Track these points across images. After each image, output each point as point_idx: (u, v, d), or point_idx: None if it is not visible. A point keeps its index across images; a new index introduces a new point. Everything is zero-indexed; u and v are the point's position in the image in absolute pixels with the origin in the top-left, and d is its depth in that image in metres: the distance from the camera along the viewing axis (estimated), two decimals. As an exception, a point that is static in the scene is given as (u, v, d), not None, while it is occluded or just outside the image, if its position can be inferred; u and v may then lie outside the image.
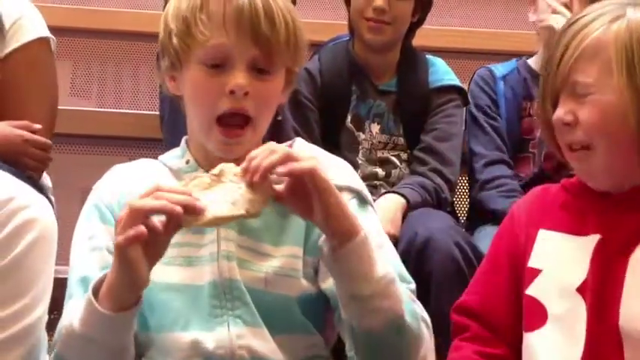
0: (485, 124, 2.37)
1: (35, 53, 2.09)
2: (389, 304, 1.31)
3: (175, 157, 1.51)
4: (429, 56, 2.38)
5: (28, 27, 2.08)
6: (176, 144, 1.54)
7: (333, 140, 2.24)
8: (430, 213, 2.11)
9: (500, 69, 2.47)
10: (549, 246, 1.45)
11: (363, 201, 1.46)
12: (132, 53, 3.03)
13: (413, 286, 1.42)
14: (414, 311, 1.37)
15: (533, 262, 1.46)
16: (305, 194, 1.29)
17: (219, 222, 1.28)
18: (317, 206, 1.28)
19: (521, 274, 1.47)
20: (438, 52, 2.55)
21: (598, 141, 1.38)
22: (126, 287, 1.27)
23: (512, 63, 2.49)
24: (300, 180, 1.28)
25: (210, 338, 1.39)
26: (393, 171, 2.28)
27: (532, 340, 1.43)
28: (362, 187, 1.47)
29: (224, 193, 1.28)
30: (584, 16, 1.42)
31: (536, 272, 1.45)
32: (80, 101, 3.02)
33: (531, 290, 1.45)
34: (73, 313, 1.33)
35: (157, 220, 1.25)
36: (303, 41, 1.43)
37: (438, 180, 2.21)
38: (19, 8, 2.09)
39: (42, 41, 2.11)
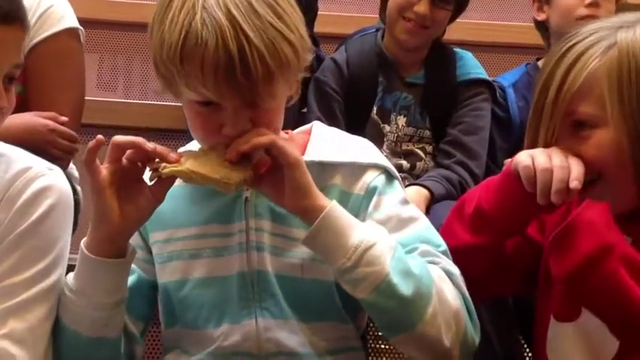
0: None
1: (64, 44, 2.10)
2: (370, 270, 1.30)
3: (195, 147, 1.48)
4: (457, 49, 2.37)
5: (58, 17, 2.09)
6: None
7: (358, 132, 2.20)
8: (453, 205, 2.09)
9: (508, 77, 2.45)
10: None
11: (389, 176, 1.45)
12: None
13: (442, 247, 1.41)
14: (419, 267, 1.34)
15: None
16: (282, 184, 1.31)
17: (192, 176, 1.29)
18: (287, 186, 1.31)
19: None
20: (464, 45, 2.54)
21: (606, 172, 1.37)
22: (97, 224, 1.33)
23: (521, 68, 2.47)
24: (277, 163, 1.30)
25: (238, 331, 1.40)
26: (417, 163, 2.28)
27: (567, 329, 1.43)
28: (387, 163, 1.47)
29: (207, 160, 1.31)
30: (577, 42, 1.39)
31: None
32: (107, 94, 3.03)
33: None
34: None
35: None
36: (294, 56, 1.33)
37: (463, 173, 2.20)
38: None
39: (71, 32, 2.12)
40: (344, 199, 1.41)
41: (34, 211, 1.38)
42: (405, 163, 2.27)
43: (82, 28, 2.15)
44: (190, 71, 1.30)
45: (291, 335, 1.40)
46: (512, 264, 1.49)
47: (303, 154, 1.42)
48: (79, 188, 2.11)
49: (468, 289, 1.41)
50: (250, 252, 1.41)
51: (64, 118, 2.03)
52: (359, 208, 1.42)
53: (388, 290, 1.31)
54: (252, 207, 1.42)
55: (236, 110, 1.32)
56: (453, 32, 2.46)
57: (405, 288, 1.31)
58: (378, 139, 2.25)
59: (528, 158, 1.36)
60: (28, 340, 1.34)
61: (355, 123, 2.26)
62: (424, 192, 2.10)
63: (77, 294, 1.36)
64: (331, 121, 2.21)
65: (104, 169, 1.31)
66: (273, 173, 1.33)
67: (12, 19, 1.33)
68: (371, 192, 1.42)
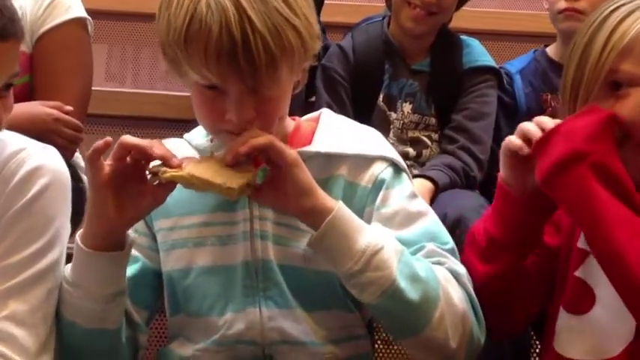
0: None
1: (71, 33, 2.10)
2: (377, 275, 1.30)
3: (200, 135, 1.49)
4: (464, 37, 2.36)
5: (65, 7, 2.09)
6: None
7: (364, 119, 2.19)
8: (460, 193, 2.09)
9: (515, 64, 2.44)
10: None
11: (397, 169, 1.44)
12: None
13: (449, 245, 1.41)
14: (425, 270, 1.34)
15: (582, 243, 1.44)
16: (283, 188, 1.30)
17: (193, 181, 1.28)
18: (289, 187, 1.30)
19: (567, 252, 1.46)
20: (474, 34, 2.52)
21: (633, 133, 1.37)
22: (94, 226, 1.32)
23: (529, 55, 2.46)
24: (279, 171, 1.30)
25: (242, 319, 1.39)
26: (424, 151, 2.26)
27: (578, 322, 1.42)
28: (395, 154, 1.45)
29: (208, 165, 1.30)
30: (621, 5, 1.40)
31: (585, 253, 1.44)
32: (115, 85, 3.03)
33: (580, 272, 1.44)
34: None
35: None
36: (299, 44, 1.32)
37: (467, 158, 2.18)
38: None
39: (78, 21, 2.11)
40: (350, 191, 1.40)
41: (28, 191, 1.37)
42: (411, 151, 2.26)
43: (89, 18, 2.14)
44: (194, 54, 1.30)
45: (294, 324, 1.39)
46: (536, 284, 1.49)
47: (309, 142, 1.41)
48: (84, 177, 2.11)
49: (494, 322, 1.42)
50: (254, 241, 1.40)
51: (69, 108, 2.03)
52: (366, 200, 1.41)
53: (396, 295, 1.30)
54: None
55: (239, 96, 1.31)
56: (461, 21, 2.45)
57: (413, 293, 1.31)
58: (384, 126, 2.24)
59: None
60: (29, 322, 1.34)
61: (361, 110, 2.24)
62: (428, 184, 2.08)
63: (73, 286, 1.36)
64: (340, 106, 2.21)
65: (107, 166, 1.30)
66: (273, 180, 1.32)
67: (7, 34, 1.31)
68: (378, 185, 1.41)
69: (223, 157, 1.31)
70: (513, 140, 1.40)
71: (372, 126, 2.19)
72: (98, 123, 2.60)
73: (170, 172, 1.29)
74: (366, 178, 1.41)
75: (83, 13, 2.13)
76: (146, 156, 1.30)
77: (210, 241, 1.42)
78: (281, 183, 1.31)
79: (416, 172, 2.14)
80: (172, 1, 1.32)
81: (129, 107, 2.69)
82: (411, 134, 2.27)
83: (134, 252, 1.43)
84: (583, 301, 1.43)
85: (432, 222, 1.42)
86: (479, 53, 2.33)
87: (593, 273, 1.42)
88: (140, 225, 1.43)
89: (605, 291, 1.39)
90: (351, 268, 1.30)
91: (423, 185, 2.07)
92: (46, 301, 1.36)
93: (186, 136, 1.51)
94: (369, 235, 1.31)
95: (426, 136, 2.28)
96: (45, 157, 1.41)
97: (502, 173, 1.44)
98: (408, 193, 1.42)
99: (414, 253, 1.37)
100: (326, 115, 1.49)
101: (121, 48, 3.10)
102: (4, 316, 1.33)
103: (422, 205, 1.44)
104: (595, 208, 1.32)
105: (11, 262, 1.35)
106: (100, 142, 1.29)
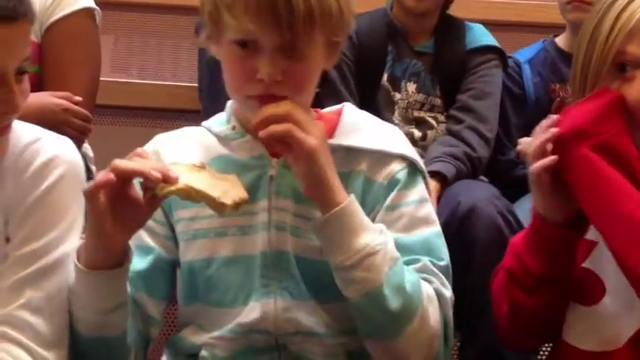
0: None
1: (79, 23, 2.09)
2: (365, 276, 1.32)
3: (220, 123, 1.48)
4: (467, 22, 2.37)
5: None
6: (215, 112, 1.52)
7: (369, 100, 2.23)
8: (473, 183, 2.09)
9: (524, 54, 2.45)
10: None
11: (414, 170, 1.44)
12: (173, 27, 3.03)
13: (444, 262, 1.42)
14: (412, 285, 1.35)
15: (588, 234, 1.44)
16: (298, 173, 1.33)
17: (191, 193, 1.28)
18: (302, 175, 1.32)
19: None
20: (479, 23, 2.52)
21: (636, 117, 1.37)
22: (92, 243, 1.31)
23: (538, 44, 2.47)
24: (296, 160, 1.32)
25: (257, 309, 1.40)
26: (429, 132, 2.27)
27: (588, 313, 1.43)
28: (414, 154, 1.46)
29: (202, 178, 1.30)
30: None
31: (592, 244, 1.44)
32: (120, 76, 3.03)
33: (588, 263, 1.44)
34: None
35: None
36: (338, 11, 1.35)
37: (472, 139, 2.18)
38: None
39: (87, 12, 2.11)
40: (368, 187, 1.41)
41: (44, 180, 1.38)
42: (416, 132, 2.26)
43: (98, 8, 2.14)
44: (235, 4, 1.32)
45: (308, 316, 1.40)
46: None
47: (331, 135, 1.42)
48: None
49: (522, 341, 1.48)
50: (272, 231, 1.41)
51: (78, 98, 2.03)
52: (379, 197, 1.42)
53: (377, 300, 1.32)
54: (276, 186, 1.41)
55: (273, 52, 1.32)
56: (465, 10, 2.45)
57: (394, 302, 1.33)
58: (388, 107, 2.25)
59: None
60: (45, 310, 1.35)
61: (366, 91, 2.25)
62: (435, 184, 2.05)
63: (74, 295, 1.36)
64: (344, 83, 2.22)
65: (102, 196, 1.27)
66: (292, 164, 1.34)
67: (16, 15, 1.30)
68: (393, 184, 1.42)
69: (213, 172, 1.32)
70: (533, 169, 1.39)
71: (377, 106, 2.21)
72: (106, 114, 2.60)
73: (167, 188, 1.27)
74: (383, 175, 1.42)
75: (91, 4, 2.13)
76: (146, 181, 1.28)
77: (232, 231, 1.42)
78: (297, 169, 1.33)
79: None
80: None
81: (135, 98, 2.69)
82: (416, 114, 2.28)
83: (149, 241, 1.43)
84: (593, 292, 1.43)
85: (434, 233, 1.43)
86: (481, 34, 2.34)
87: (601, 264, 1.43)
88: (158, 214, 1.42)
89: (614, 281, 1.40)
90: (342, 262, 1.32)
91: (432, 183, 2.03)
92: (62, 290, 1.37)
93: (204, 123, 1.51)
94: (370, 236, 1.33)
95: (431, 117, 2.28)
96: (60, 148, 1.42)
97: (537, 207, 1.43)
98: (419, 197, 1.43)
99: (408, 263, 1.38)
100: (348, 109, 1.49)
101: (126, 39, 3.10)
102: (19, 305, 1.34)
103: (429, 212, 1.44)
104: (603, 187, 1.33)
105: (26, 252, 1.36)
106: (102, 179, 1.26)
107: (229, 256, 1.42)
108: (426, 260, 1.39)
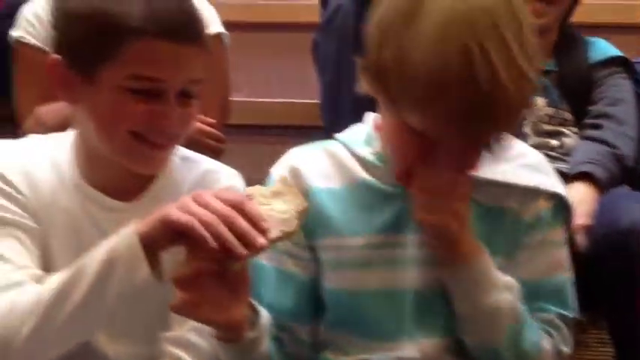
0: None
1: (212, 48, 2.13)
2: (486, 335, 1.35)
3: (361, 142, 1.42)
4: (587, 37, 2.32)
5: (206, 22, 2.13)
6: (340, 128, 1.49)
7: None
8: (630, 193, 2.01)
9: None
10: None
11: (559, 211, 1.43)
12: (288, 45, 3.06)
13: (572, 314, 1.42)
14: (532, 345, 1.36)
15: None
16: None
17: (290, 235, 1.23)
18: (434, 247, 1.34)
19: None
20: (600, 27, 2.48)
21: None
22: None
23: None
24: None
25: (414, 348, 1.38)
26: (565, 140, 2.19)
27: None
28: (561, 189, 1.43)
29: (271, 210, 1.23)
30: None
31: None
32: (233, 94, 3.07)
33: None
34: None
35: None
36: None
37: (616, 140, 2.10)
38: (198, 4, 2.13)
39: (218, 36, 2.19)
40: (516, 225, 1.40)
41: None
42: (552, 141, 2.19)
43: (227, 32, 2.20)
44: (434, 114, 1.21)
45: (452, 357, 1.39)
46: None
47: None
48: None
49: None
50: (424, 267, 1.38)
51: (212, 120, 2.08)
52: (521, 232, 1.41)
53: (491, 354, 1.36)
54: None
55: (464, 153, 1.27)
56: (593, 14, 2.43)
57: (506, 354, 1.36)
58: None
59: None
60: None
61: None
62: (589, 189, 1.97)
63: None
64: None
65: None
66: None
67: (187, 36, 1.34)
68: (537, 223, 1.40)
69: (256, 198, 1.24)
70: None
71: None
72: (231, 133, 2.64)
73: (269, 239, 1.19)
74: (530, 213, 1.40)
75: (222, 29, 2.19)
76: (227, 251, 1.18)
77: (378, 264, 1.38)
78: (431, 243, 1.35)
79: (563, 166, 2.06)
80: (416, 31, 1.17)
81: (258, 116, 2.72)
82: (547, 127, 2.24)
83: (289, 268, 1.42)
84: None
85: (568, 280, 1.43)
86: (604, 47, 2.29)
87: None
88: (300, 238, 1.39)
89: None
90: (467, 311, 1.34)
91: (585, 189, 1.98)
92: None
93: (341, 138, 1.44)
94: (498, 295, 1.33)
95: (564, 129, 2.21)
96: (236, 181, 1.46)
97: None
98: (561, 239, 1.42)
99: (535, 309, 1.39)
100: None
101: (235, 57, 3.14)
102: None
103: (567, 257, 1.43)
104: None
105: None
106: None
107: (378, 289, 1.38)
108: (554, 313, 1.40)
